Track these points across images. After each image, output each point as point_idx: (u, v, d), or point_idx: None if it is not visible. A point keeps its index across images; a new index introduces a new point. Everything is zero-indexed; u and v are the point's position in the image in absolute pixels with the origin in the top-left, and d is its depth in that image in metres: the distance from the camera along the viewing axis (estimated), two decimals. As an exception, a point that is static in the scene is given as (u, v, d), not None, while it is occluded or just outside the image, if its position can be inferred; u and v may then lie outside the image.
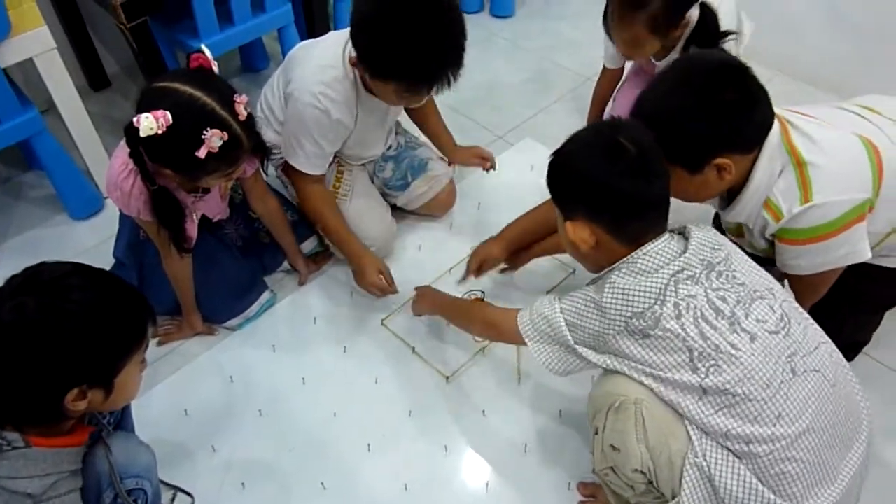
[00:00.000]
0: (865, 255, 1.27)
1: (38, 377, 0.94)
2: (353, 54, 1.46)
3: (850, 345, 1.57)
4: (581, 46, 2.64)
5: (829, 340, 1.18)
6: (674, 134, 1.18)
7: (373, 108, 1.64)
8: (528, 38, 2.72)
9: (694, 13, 1.63)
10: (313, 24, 2.29)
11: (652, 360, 1.08)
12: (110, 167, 1.40)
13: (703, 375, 1.05)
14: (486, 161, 1.97)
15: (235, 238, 1.77)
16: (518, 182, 2.07)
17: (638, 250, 1.12)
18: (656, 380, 1.09)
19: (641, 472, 1.12)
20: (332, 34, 1.64)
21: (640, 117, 1.26)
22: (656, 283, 1.09)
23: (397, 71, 1.40)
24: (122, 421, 1.28)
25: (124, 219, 1.67)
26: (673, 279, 1.09)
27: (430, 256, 1.88)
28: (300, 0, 2.24)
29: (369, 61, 1.42)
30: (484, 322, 1.40)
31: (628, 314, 1.09)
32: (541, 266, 1.80)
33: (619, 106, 2.06)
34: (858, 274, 1.39)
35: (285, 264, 1.85)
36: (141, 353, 1.05)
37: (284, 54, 2.23)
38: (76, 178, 1.95)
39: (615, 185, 1.10)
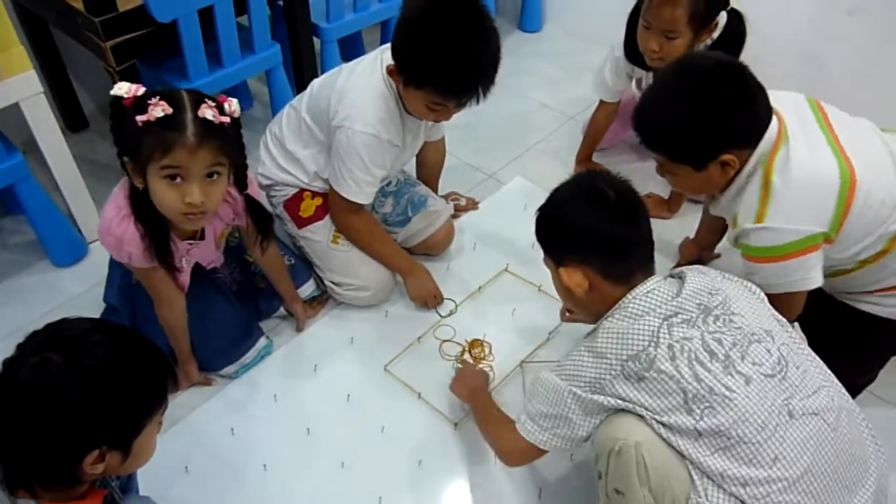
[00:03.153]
0: (815, 284, 1.34)
1: (60, 437, 0.91)
2: (391, 63, 1.48)
3: (851, 388, 1.60)
4: (560, 84, 2.68)
5: (833, 383, 1.19)
6: (678, 136, 1.25)
7: (411, 126, 1.66)
8: (508, 75, 2.73)
9: (722, 21, 1.70)
10: (301, 66, 2.28)
11: (648, 404, 1.10)
12: (103, 213, 1.37)
13: (697, 418, 1.06)
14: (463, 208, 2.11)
15: (230, 282, 1.73)
16: (513, 222, 2.07)
17: (628, 294, 1.17)
18: (654, 422, 1.10)
19: None
20: (359, 61, 1.64)
21: (643, 124, 1.32)
22: (649, 325, 1.12)
23: (432, 75, 1.42)
24: (128, 482, 1.23)
25: (115, 262, 1.62)
26: (666, 322, 1.12)
27: (429, 298, 1.86)
28: (288, 42, 2.23)
29: (406, 63, 1.45)
30: (499, 443, 1.38)
31: (624, 357, 1.11)
32: (542, 306, 1.80)
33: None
34: (856, 324, 1.45)
35: (281, 310, 1.80)
36: (161, 413, 1.02)
37: (271, 95, 2.25)
38: (59, 224, 1.88)
39: (601, 227, 1.18)
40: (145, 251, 1.35)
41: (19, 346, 0.92)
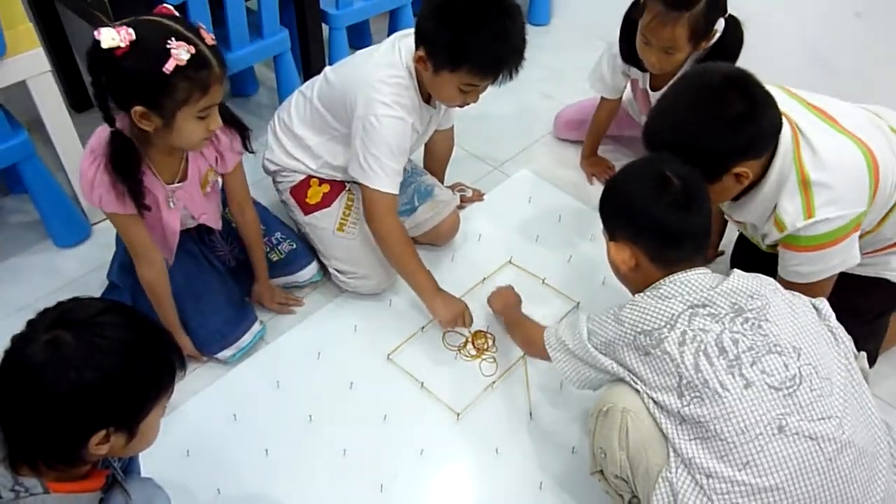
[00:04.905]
0: (856, 260, 1.37)
1: (68, 416, 0.90)
2: (416, 52, 1.50)
3: None
4: (566, 78, 2.67)
5: (870, 423, 1.12)
6: (690, 153, 1.24)
7: (425, 115, 1.66)
8: (515, 68, 2.73)
9: (720, 28, 1.69)
10: (309, 53, 2.26)
11: (646, 377, 1.16)
12: (82, 159, 1.34)
13: (685, 403, 1.10)
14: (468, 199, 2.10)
15: (230, 259, 1.73)
16: (518, 214, 2.07)
17: (666, 278, 1.19)
18: (646, 396, 1.15)
19: (623, 480, 1.19)
20: (374, 48, 1.64)
21: (653, 142, 1.32)
22: (671, 308, 1.15)
23: (467, 56, 1.43)
24: (130, 464, 1.23)
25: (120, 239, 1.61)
26: (690, 310, 1.15)
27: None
28: (296, 28, 2.22)
29: (438, 48, 1.45)
30: (525, 337, 1.53)
31: (639, 329, 1.16)
32: (546, 299, 1.80)
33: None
34: (847, 288, 1.45)
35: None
36: (168, 396, 1.02)
37: (278, 81, 2.24)
38: (63, 204, 1.87)
39: (657, 213, 1.19)
40: (116, 195, 1.33)
41: (29, 323, 0.91)
